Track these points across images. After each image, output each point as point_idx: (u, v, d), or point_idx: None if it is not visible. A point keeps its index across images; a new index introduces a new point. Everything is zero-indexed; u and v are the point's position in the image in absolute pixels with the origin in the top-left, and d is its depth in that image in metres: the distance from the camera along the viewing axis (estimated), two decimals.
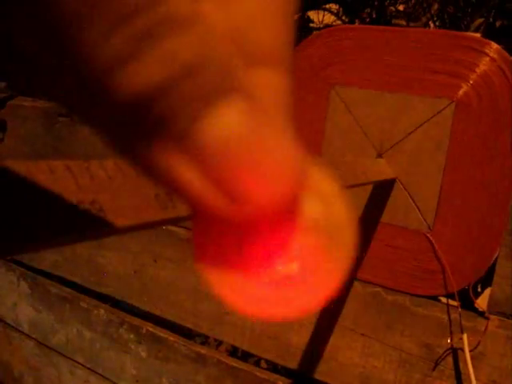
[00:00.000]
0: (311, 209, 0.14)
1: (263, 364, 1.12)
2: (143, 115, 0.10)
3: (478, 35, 0.58)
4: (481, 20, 1.21)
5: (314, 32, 0.66)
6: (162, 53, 0.10)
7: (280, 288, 0.14)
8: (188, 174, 0.11)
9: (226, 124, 0.11)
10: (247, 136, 0.11)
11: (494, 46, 0.56)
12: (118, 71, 0.10)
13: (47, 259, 1.00)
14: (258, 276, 0.14)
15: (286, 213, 0.14)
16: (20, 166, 0.16)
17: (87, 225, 0.17)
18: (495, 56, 0.56)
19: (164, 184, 0.12)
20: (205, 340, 1.18)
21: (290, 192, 0.12)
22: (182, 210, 0.20)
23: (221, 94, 0.11)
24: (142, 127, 0.11)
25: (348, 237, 0.15)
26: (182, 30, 0.10)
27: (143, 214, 0.18)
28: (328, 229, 0.14)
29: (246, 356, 0.98)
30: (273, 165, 0.12)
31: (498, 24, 1.16)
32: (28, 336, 1.06)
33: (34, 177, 0.16)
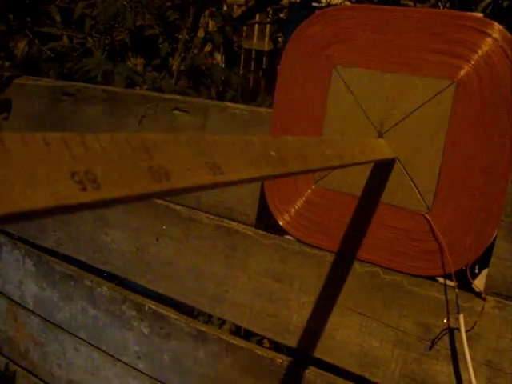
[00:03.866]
0: None
1: (266, 344, 1.13)
2: None
3: (480, 15, 0.58)
4: (489, 0, 1.20)
5: (317, 11, 0.66)
6: None
7: None
8: None
9: None
10: None
11: (497, 26, 0.56)
12: None
13: (52, 237, 1.01)
14: None
15: None
16: (15, 138, 0.17)
17: (81, 195, 0.17)
18: (498, 36, 0.55)
19: None
20: (208, 319, 1.20)
21: None
22: (175, 182, 0.20)
23: None
24: None
25: None
26: None
27: (137, 186, 0.19)
28: None
29: (248, 336, 0.99)
30: None
31: (505, 4, 1.15)
32: (33, 313, 1.08)
33: (29, 147, 0.17)
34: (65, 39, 1.27)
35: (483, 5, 1.25)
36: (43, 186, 0.16)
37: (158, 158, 0.20)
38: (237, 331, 1.16)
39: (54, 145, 0.17)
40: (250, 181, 0.25)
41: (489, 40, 0.56)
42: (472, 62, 0.57)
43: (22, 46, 1.21)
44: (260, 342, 1.09)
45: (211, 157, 0.22)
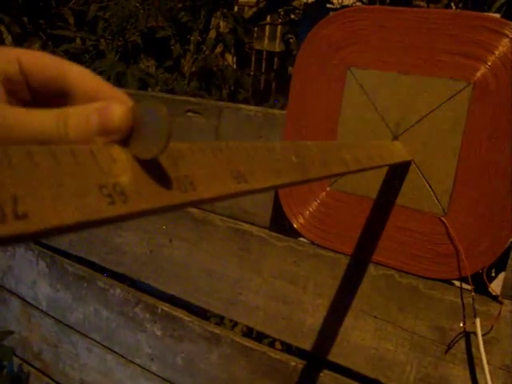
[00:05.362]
0: None
1: (278, 345, 1.13)
2: None
3: (497, 16, 0.57)
4: (503, 0, 1.19)
5: (331, 13, 0.66)
6: None
7: None
8: None
9: None
10: None
11: None
12: None
13: (65, 239, 1.01)
14: None
15: None
16: (43, 151, 0.17)
17: (110, 209, 0.17)
18: None
19: None
20: (220, 321, 1.20)
21: None
22: (201, 192, 0.20)
23: None
24: None
25: None
26: None
27: (163, 197, 0.19)
28: None
29: (260, 338, 0.99)
30: None
31: None
32: (46, 314, 1.08)
33: (58, 160, 0.16)
34: (78, 41, 1.28)
35: (497, 5, 1.24)
36: (72, 201, 0.16)
37: (184, 168, 0.20)
38: (249, 333, 1.16)
39: (81, 157, 0.17)
40: (273, 188, 0.24)
41: (506, 41, 0.55)
42: (489, 63, 0.56)
43: (35, 48, 1.22)
44: (272, 344, 1.09)
45: (235, 165, 0.22)
